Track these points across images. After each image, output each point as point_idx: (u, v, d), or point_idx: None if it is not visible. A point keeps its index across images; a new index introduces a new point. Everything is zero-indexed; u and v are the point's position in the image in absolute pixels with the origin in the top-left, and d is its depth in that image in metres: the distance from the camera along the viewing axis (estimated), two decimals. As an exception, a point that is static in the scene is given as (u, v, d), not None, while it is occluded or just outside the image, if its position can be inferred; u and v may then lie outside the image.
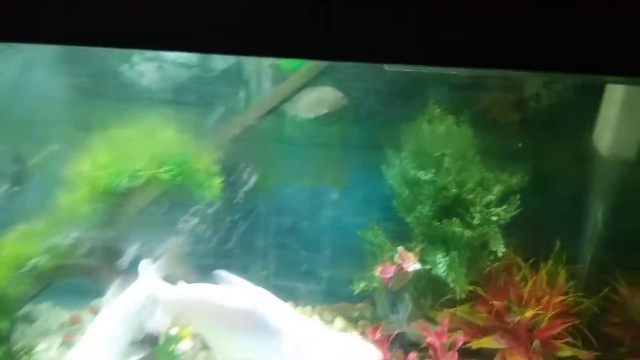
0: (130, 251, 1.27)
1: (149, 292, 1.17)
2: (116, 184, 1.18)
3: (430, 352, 1.33)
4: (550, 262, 1.57)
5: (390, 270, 1.43)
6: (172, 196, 1.30)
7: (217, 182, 1.32)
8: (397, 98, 1.65)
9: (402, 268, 1.41)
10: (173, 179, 1.23)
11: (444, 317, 1.53)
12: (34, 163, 1.23)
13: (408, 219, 1.64)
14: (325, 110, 1.70)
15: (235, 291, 1.11)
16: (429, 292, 1.60)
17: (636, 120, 1.52)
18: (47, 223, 1.19)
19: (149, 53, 1.55)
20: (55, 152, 1.19)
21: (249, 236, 1.81)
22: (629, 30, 0.53)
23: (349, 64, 1.58)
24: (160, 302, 1.13)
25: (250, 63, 1.65)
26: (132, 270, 1.28)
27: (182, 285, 1.13)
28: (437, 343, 1.28)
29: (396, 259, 1.42)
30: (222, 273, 1.13)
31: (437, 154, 1.52)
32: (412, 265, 1.41)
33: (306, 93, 1.69)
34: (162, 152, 1.22)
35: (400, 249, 1.45)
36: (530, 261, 1.57)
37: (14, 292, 1.21)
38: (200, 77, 1.60)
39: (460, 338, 1.32)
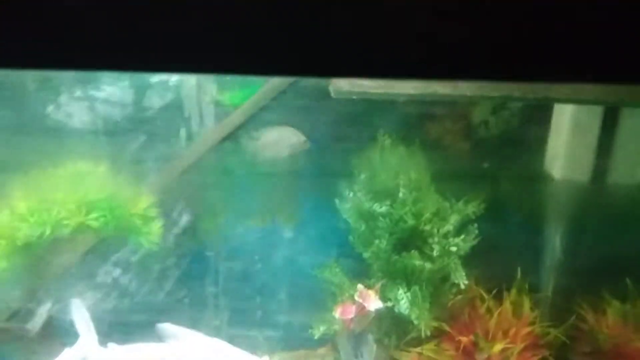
0: (58, 310, 1.13)
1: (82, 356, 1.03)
2: (38, 236, 1.05)
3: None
4: (513, 291, 1.52)
5: (351, 311, 1.34)
6: (105, 246, 1.18)
7: (156, 226, 1.20)
8: (347, 128, 1.60)
9: (363, 307, 1.32)
10: (105, 227, 1.11)
11: (412, 358, 1.45)
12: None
13: (366, 255, 1.57)
14: (286, 152, 1.63)
15: (182, 346, 0.99)
16: (392, 331, 1.52)
17: (587, 142, 1.53)
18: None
19: (78, 91, 1.45)
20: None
21: (196, 284, 1.69)
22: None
23: (294, 94, 1.52)
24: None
25: (190, 99, 1.57)
26: (64, 332, 1.14)
27: (112, 347, 0.99)
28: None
29: (357, 297, 1.33)
30: (166, 326, 1.00)
31: (391, 184, 1.47)
32: (374, 303, 1.33)
33: (265, 133, 1.62)
34: (92, 196, 1.10)
35: (360, 287, 1.37)
36: (493, 292, 1.52)
37: None
38: (137, 115, 1.51)
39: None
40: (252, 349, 1.80)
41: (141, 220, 1.18)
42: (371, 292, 1.35)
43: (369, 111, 1.62)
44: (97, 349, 1.00)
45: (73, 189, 1.10)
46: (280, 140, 1.62)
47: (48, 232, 1.05)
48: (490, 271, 1.54)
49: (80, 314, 1.11)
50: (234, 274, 1.71)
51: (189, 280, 1.63)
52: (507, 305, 1.47)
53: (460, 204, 1.54)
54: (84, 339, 1.08)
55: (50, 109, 1.32)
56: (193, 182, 1.60)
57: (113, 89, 1.53)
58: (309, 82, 1.55)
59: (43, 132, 1.25)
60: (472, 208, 1.54)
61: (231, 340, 1.57)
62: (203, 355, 1.01)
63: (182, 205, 1.58)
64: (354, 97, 1.30)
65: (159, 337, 1.04)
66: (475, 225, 1.50)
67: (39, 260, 1.10)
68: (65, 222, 1.07)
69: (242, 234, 1.78)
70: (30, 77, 1.25)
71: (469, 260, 1.55)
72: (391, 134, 1.55)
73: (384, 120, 1.61)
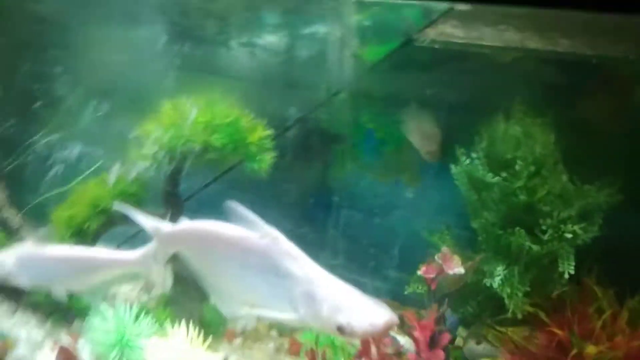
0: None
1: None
2: (174, 146, 1.30)
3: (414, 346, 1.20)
4: (638, 298, 1.32)
5: (433, 271, 1.34)
6: (227, 164, 1.39)
7: (268, 156, 1.38)
8: (480, 93, 1.53)
9: (442, 270, 1.31)
10: (224, 147, 1.32)
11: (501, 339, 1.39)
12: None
13: (475, 225, 1.51)
14: (434, 147, 1.66)
15: (246, 228, 1.03)
16: (485, 307, 1.46)
17: None
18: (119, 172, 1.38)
19: (245, 38, 1.68)
20: (126, 110, 1.36)
21: (317, 222, 1.84)
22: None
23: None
24: (160, 237, 1.15)
25: (333, 52, 1.68)
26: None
27: (184, 221, 1.13)
28: (421, 337, 1.15)
29: (437, 258, 1.32)
30: (235, 205, 1.03)
31: (510, 156, 1.38)
32: (454, 268, 1.30)
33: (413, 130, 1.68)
34: (218, 121, 1.32)
35: (444, 249, 1.35)
36: (612, 293, 1.33)
37: (92, 227, 1.42)
38: (283, 63, 1.69)
39: (446, 335, 1.18)
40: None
41: (256, 148, 1.36)
42: (455, 257, 1.32)
43: (507, 77, 1.52)
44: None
45: (206, 114, 1.33)
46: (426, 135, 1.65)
47: (182, 142, 1.30)
48: (615, 270, 1.35)
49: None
50: (353, 221, 1.82)
51: (311, 216, 1.80)
52: (625, 310, 1.28)
53: (591, 189, 1.37)
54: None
55: (210, 50, 1.58)
56: (326, 132, 1.74)
57: (270, 38, 1.73)
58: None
59: (191, 71, 1.52)
60: (604, 195, 1.36)
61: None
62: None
63: (312, 149, 1.74)
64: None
65: (227, 216, 1.05)
66: (602, 214, 1.33)
67: (175, 165, 1.38)
68: (194, 138, 1.30)
69: (367, 187, 1.87)
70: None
71: (592, 252, 1.38)
72: (523, 102, 1.45)
73: (521, 88, 1.50)
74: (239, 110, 1.34)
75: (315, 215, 1.78)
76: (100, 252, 1.31)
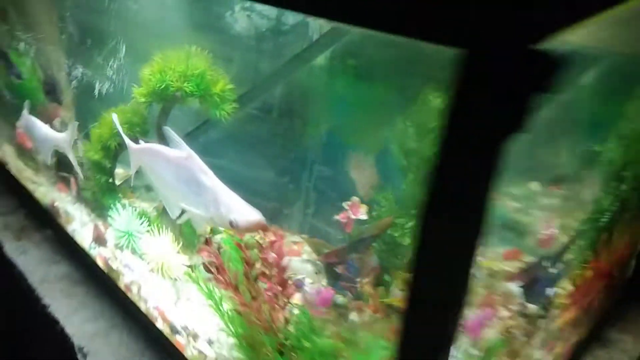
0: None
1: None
2: (158, 89, 1.70)
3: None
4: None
5: (345, 216, 1.57)
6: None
7: (229, 106, 1.69)
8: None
9: (349, 217, 1.54)
10: (193, 95, 1.67)
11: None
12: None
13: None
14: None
15: (175, 148, 1.47)
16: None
17: None
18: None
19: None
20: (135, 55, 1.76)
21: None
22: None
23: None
24: (130, 152, 1.65)
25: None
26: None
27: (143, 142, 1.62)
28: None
29: (345, 205, 1.54)
30: (167, 131, 1.48)
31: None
32: (360, 215, 1.53)
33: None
34: (190, 72, 1.67)
35: (354, 198, 1.56)
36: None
37: (112, 145, 1.91)
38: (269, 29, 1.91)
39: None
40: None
41: (219, 98, 1.69)
42: (362, 206, 1.53)
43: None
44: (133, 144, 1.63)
45: (182, 65, 1.68)
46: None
47: (163, 86, 1.68)
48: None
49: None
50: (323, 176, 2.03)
51: (291, 169, 2.06)
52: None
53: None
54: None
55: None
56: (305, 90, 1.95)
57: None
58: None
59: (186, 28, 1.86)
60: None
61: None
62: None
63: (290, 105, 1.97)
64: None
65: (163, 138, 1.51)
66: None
67: (165, 105, 1.77)
68: (172, 84, 1.68)
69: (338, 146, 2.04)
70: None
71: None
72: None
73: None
74: (207, 64, 1.67)
75: (294, 168, 2.05)
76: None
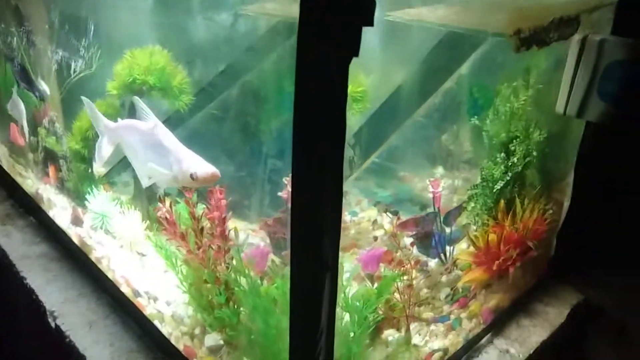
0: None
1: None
2: (127, 81, 2.00)
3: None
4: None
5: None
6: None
7: (186, 98, 1.99)
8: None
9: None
10: (154, 87, 1.97)
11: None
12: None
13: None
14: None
15: (141, 119, 1.71)
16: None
17: None
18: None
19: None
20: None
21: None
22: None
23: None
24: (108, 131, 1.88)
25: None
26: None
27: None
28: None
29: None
30: (137, 101, 1.71)
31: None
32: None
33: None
34: (153, 67, 1.97)
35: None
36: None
37: (91, 134, 2.19)
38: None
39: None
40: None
41: (177, 90, 1.98)
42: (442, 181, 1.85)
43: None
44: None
45: (146, 60, 1.98)
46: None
47: (131, 79, 1.98)
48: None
49: None
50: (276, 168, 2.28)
51: (248, 162, 2.33)
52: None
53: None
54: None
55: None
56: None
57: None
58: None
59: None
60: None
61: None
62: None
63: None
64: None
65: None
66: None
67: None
68: (138, 79, 1.98)
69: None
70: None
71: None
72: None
73: None
74: (166, 59, 1.98)
75: (250, 161, 2.32)
76: None
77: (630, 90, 1.64)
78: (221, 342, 1.69)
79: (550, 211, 2.06)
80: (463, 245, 1.92)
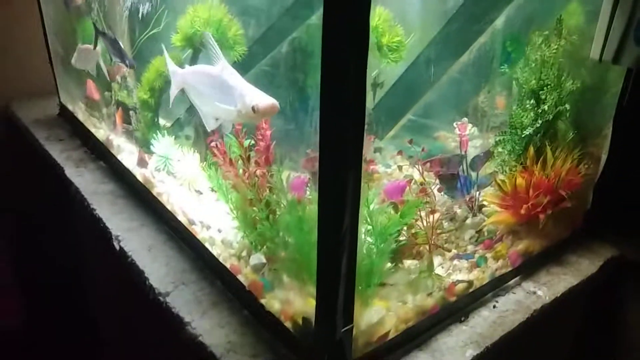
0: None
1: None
2: (189, 33, 2.23)
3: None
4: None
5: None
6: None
7: (240, 49, 2.19)
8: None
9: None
10: (212, 37, 2.18)
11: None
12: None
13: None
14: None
15: (212, 62, 1.83)
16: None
17: None
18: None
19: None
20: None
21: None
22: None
23: None
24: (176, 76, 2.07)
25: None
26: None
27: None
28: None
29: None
30: (209, 38, 1.83)
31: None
32: None
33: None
34: (212, 18, 2.18)
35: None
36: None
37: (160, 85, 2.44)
38: None
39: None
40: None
41: (232, 41, 2.19)
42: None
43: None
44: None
45: (205, 12, 2.20)
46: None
47: (193, 32, 2.21)
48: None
49: None
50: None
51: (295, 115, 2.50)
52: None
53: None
54: None
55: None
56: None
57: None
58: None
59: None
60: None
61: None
62: None
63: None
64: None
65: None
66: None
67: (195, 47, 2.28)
68: (198, 30, 2.20)
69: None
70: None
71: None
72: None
73: None
74: (223, 12, 2.18)
75: (298, 114, 2.49)
76: None
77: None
78: (264, 260, 1.88)
79: (586, 164, 2.09)
80: (490, 191, 2.00)
